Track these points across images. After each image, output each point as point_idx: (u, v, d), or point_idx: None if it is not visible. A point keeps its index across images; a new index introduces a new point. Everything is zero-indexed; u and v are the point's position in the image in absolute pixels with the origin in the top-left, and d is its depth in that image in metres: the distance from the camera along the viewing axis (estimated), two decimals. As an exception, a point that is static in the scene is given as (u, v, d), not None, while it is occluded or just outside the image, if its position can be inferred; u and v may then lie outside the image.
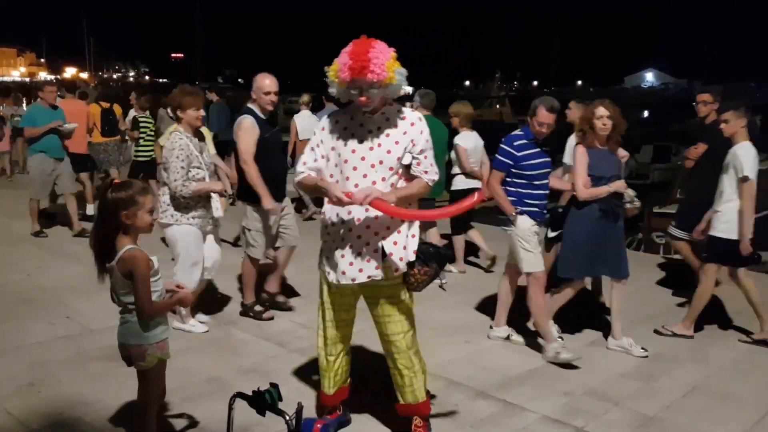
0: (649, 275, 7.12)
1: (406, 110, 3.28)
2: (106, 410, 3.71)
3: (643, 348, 4.81)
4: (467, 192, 6.52)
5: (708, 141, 5.68)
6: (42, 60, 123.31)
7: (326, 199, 3.29)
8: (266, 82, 5.12)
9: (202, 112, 4.84)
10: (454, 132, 6.84)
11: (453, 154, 6.74)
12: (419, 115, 3.31)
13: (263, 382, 3.04)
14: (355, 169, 3.18)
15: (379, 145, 3.17)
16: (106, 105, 10.24)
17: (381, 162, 3.17)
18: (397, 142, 3.18)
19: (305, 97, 9.84)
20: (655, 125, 33.91)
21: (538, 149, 4.74)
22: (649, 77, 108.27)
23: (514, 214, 4.67)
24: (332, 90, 3.18)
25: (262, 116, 5.12)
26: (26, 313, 5.33)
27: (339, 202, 3.08)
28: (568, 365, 4.54)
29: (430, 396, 3.63)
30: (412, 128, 3.21)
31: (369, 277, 3.22)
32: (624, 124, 4.80)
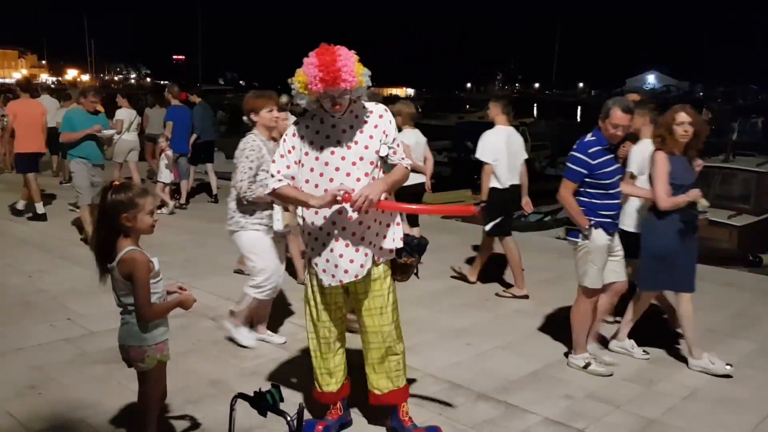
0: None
1: (369, 104, 3.35)
2: (108, 413, 3.71)
3: (644, 351, 4.81)
4: (413, 187, 6.81)
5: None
6: (43, 62, 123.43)
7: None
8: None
9: (276, 113, 4.63)
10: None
11: None
12: (383, 106, 3.39)
13: (264, 384, 3.05)
14: (337, 169, 3.23)
15: (356, 142, 3.24)
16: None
17: (361, 158, 3.24)
18: (371, 137, 3.26)
19: (284, 98, 10.03)
20: (656, 128, 33.84)
21: (612, 155, 4.39)
22: (651, 79, 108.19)
23: (588, 227, 4.34)
24: (301, 101, 3.21)
25: None
26: (27, 315, 5.34)
27: (333, 203, 3.09)
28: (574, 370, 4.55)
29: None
30: (381, 120, 3.30)
31: (368, 269, 3.31)
32: (707, 130, 4.60)
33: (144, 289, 2.79)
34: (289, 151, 3.30)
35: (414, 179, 6.79)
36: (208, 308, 5.50)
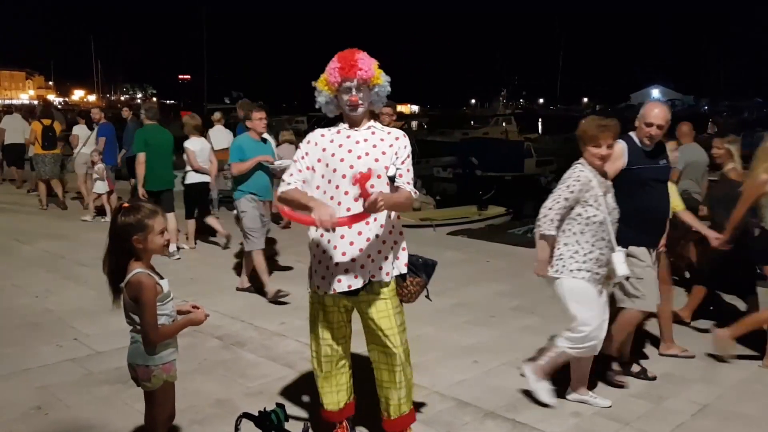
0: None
1: (392, 128, 3.42)
2: (114, 433, 3.70)
3: None
4: (198, 185, 8.38)
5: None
6: (50, 83, 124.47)
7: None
8: (654, 111, 4.34)
9: (605, 150, 4.03)
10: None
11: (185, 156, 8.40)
12: (404, 133, 3.42)
13: (271, 404, 3.01)
14: (344, 176, 3.26)
15: (367, 153, 3.27)
16: (47, 122, 11.65)
17: (369, 170, 3.22)
18: (383, 153, 3.29)
19: (217, 115, 11.47)
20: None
21: None
22: (655, 94, 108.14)
23: None
24: (320, 99, 3.31)
25: (641, 145, 4.39)
26: (34, 336, 5.34)
27: (324, 227, 3.04)
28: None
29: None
30: (397, 142, 3.34)
31: (364, 283, 3.28)
32: None
33: (150, 313, 2.79)
34: (303, 157, 3.36)
35: (199, 178, 8.37)
36: (214, 327, 5.49)
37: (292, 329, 5.58)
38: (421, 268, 3.49)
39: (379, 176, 3.25)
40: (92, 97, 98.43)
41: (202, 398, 4.20)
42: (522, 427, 3.94)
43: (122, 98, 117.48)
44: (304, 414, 3.96)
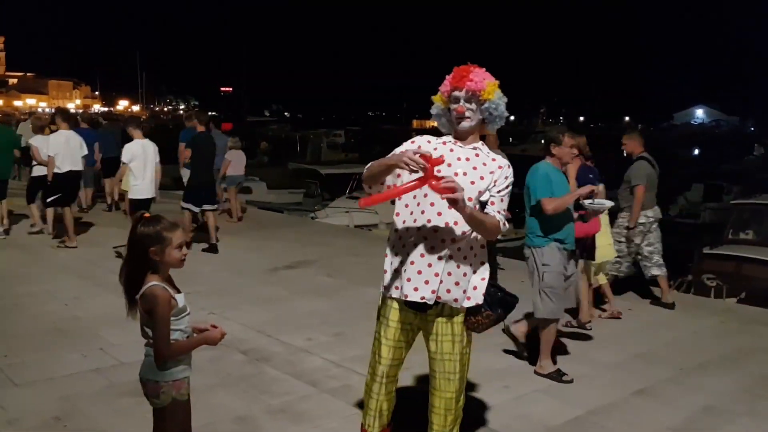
0: (700, 320, 6.78)
1: (498, 155, 3.27)
2: (130, 448, 3.63)
3: None
4: (41, 177, 9.35)
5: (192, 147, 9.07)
6: (96, 93, 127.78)
7: (397, 213, 3.21)
8: None
9: None
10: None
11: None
12: (508, 162, 3.27)
13: (292, 422, 2.90)
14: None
15: (465, 173, 3.13)
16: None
17: (462, 189, 3.05)
18: (482, 178, 3.15)
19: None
20: (706, 163, 33.18)
21: None
22: (700, 114, 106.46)
23: None
24: (432, 111, 3.28)
25: None
26: (60, 343, 5.33)
27: (415, 164, 2.81)
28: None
29: None
30: (500, 171, 3.18)
31: (437, 299, 3.12)
32: None
33: (163, 327, 2.71)
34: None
35: (43, 171, 9.29)
36: (240, 341, 5.42)
37: (318, 345, 5.47)
38: (497, 303, 3.30)
39: (470, 198, 3.08)
40: (136, 107, 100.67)
41: (223, 414, 4.10)
42: (553, 459, 3.75)
43: (165, 109, 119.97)
44: (325, 435, 3.83)
